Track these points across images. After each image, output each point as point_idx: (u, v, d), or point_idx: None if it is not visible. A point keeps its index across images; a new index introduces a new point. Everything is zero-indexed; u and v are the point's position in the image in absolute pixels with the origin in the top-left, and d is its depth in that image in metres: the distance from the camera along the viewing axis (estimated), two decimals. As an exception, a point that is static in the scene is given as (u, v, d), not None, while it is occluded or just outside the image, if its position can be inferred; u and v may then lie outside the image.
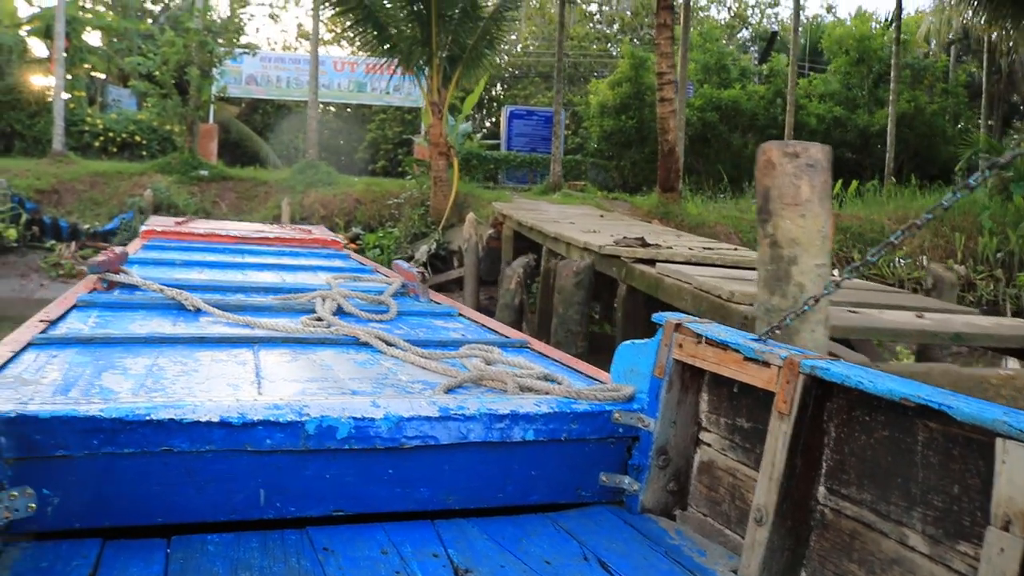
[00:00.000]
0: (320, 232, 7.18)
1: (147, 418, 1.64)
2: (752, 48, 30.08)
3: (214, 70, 16.69)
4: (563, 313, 7.13)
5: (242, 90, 22.21)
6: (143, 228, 6.08)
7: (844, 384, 1.59)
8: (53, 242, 13.46)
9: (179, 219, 7.63)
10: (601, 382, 2.40)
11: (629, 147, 20.20)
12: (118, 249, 3.81)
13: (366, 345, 2.72)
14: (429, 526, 1.82)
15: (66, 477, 1.60)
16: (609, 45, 29.48)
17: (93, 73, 21.06)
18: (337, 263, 5.38)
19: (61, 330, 2.66)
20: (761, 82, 22.92)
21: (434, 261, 13.09)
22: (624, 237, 7.12)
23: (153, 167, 15.63)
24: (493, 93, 28.68)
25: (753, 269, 5.89)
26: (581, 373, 2.56)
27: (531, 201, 14.24)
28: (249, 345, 2.63)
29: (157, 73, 16.37)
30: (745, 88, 21.33)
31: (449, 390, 2.17)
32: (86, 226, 13.82)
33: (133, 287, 3.49)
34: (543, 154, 20.74)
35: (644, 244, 6.77)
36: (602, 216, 11.83)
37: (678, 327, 2.07)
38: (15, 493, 1.53)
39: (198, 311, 3.12)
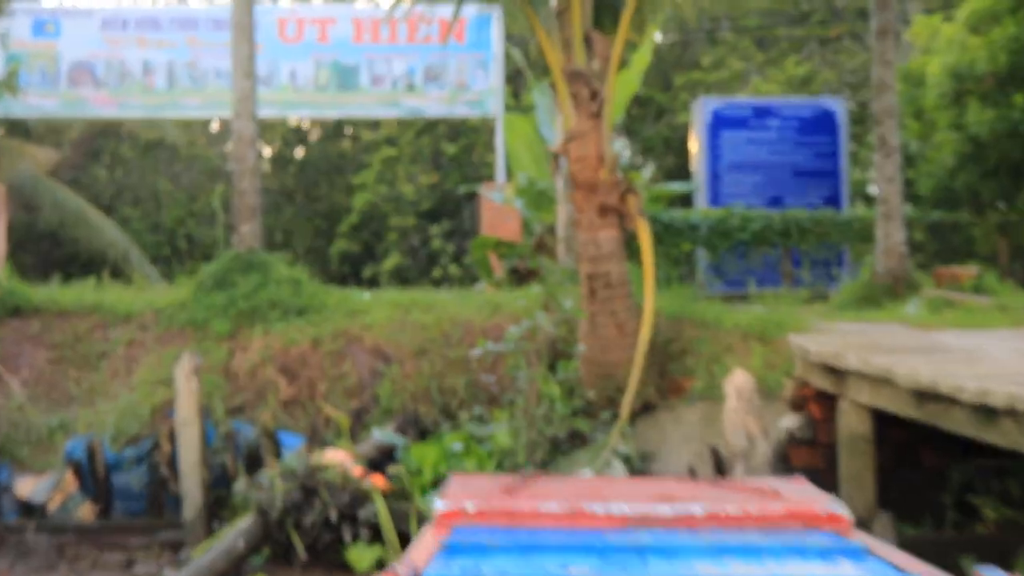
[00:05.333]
0: (801, 496, 6.70)
1: None
2: None
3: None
4: None
5: (63, 100, 21.89)
6: (439, 507, 6.16)
7: None
8: None
9: (507, 480, 7.21)
10: None
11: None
12: (403, 569, 4.16)
13: None
14: None
15: None
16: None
17: None
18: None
19: None
20: None
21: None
22: None
23: None
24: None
25: None
26: None
27: (869, 324, 14.17)
28: None
29: None
30: None
31: None
32: None
33: None
34: (807, 208, 20.56)
35: None
36: None
37: None
38: None
39: None
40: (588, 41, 13.05)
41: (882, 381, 9.27)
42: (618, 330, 12.93)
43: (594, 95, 12.88)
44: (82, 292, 16.17)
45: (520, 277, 16.82)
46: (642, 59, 19.04)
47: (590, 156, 12.86)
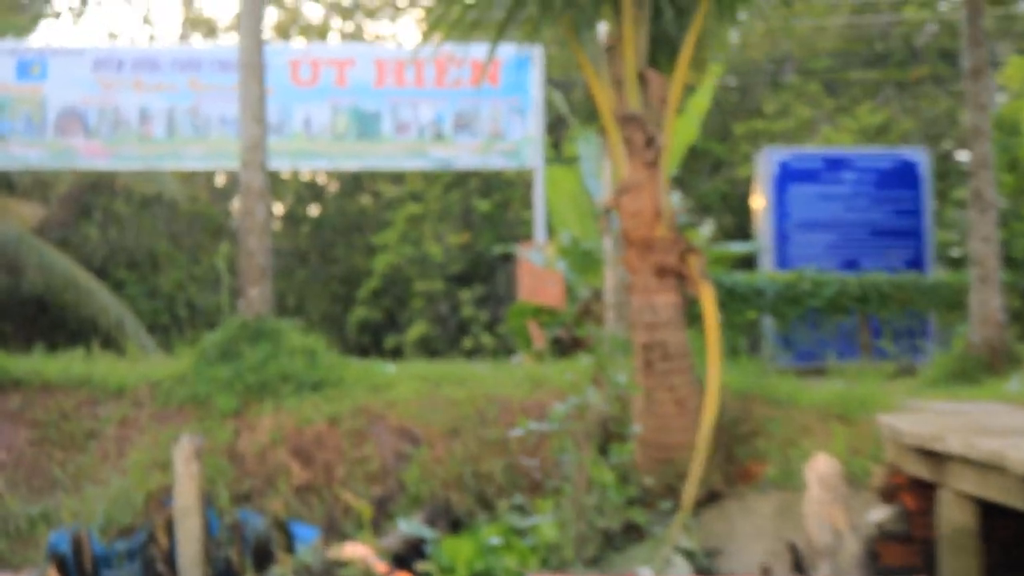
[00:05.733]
0: None
1: None
2: None
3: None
4: None
5: (50, 149, 21.78)
6: None
7: None
8: None
9: None
10: None
11: None
12: None
13: None
14: None
15: None
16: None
17: None
18: None
19: None
20: None
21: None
22: None
23: None
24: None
25: None
26: None
27: (966, 403, 13.89)
28: None
29: None
30: None
31: None
32: None
33: None
34: (886, 271, 20.65)
35: None
36: None
37: None
38: None
39: None
40: (643, 81, 12.75)
41: (990, 468, 8.75)
42: (678, 408, 12.65)
43: (650, 141, 12.54)
44: (69, 363, 15.86)
45: (564, 348, 16.68)
46: (700, 104, 19.07)
47: (645, 210, 12.60)
